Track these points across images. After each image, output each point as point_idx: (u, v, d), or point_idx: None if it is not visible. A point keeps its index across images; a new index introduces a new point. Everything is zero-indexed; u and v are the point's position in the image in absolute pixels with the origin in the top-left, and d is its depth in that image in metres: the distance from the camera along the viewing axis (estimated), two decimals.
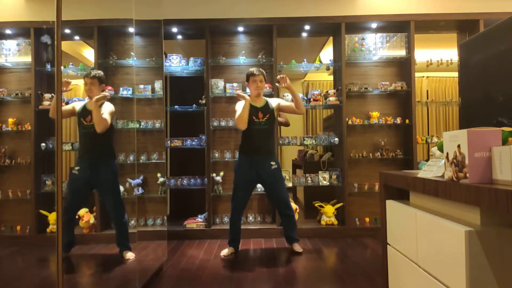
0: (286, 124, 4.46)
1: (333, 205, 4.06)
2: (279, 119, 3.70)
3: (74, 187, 3.09)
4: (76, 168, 3.10)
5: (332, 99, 4.03)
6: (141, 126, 4.09)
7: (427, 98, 6.71)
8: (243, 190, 3.29)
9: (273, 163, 3.25)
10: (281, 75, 3.23)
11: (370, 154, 4.07)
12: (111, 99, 4.10)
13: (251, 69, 3.30)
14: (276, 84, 3.34)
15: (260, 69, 3.33)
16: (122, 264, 3.11)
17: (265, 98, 3.37)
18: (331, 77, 6.39)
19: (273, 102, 3.34)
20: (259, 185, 3.79)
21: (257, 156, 3.23)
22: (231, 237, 3.36)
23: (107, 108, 3.08)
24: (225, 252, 3.32)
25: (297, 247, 3.35)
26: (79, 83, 5.08)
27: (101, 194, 3.25)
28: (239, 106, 3.21)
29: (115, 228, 3.23)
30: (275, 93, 3.99)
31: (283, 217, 3.37)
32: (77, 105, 3.19)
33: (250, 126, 3.20)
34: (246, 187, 3.30)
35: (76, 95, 5.22)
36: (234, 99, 4.23)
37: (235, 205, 3.30)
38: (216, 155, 4.13)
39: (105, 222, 3.95)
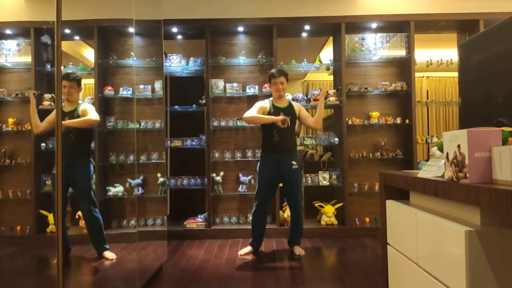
0: (297, 134, 4.41)
1: (333, 205, 4.06)
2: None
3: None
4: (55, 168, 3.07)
5: (332, 99, 4.03)
6: (141, 126, 4.09)
7: (427, 98, 6.70)
8: (267, 189, 3.29)
9: (294, 162, 3.26)
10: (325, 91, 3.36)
11: (370, 154, 4.07)
12: (111, 99, 4.12)
13: (272, 70, 3.33)
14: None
15: (283, 69, 3.35)
16: (122, 264, 3.11)
17: (289, 99, 3.41)
18: (331, 77, 6.38)
19: (296, 106, 3.37)
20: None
21: (280, 154, 3.24)
22: (252, 237, 3.36)
23: (90, 108, 3.11)
24: (242, 251, 3.32)
25: (298, 250, 3.33)
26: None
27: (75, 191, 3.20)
28: (258, 106, 3.28)
29: (91, 226, 3.20)
30: None
31: (293, 218, 3.35)
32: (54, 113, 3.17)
33: (273, 126, 3.22)
34: (269, 186, 3.30)
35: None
36: (234, 99, 4.24)
37: (258, 204, 3.30)
38: (216, 155, 4.13)
39: (105, 222, 3.95)
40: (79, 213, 3.79)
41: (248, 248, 3.33)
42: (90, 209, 3.14)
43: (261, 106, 3.30)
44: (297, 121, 3.38)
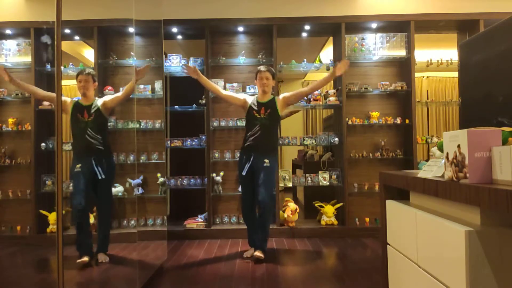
0: (292, 113, 4.35)
1: (333, 205, 4.06)
2: (286, 111, 3.71)
3: (81, 185, 3.01)
4: (78, 165, 3.06)
5: (332, 99, 4.03)
6: (141, 126, 4.09)
7: (427, 98, 6.70)
8: (245, 186, 3.28)
9: (266, 160, 3.16)
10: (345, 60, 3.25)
11: (370, 154, 4.07)
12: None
13: (259, 66, 3.34)
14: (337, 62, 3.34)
15: (269, 67, 3.33)
16: (122, 264, 3.11)
17: (274, 95, 3.37)
18: None
19: (279, 99, 3.31)
20: None
21: (253, 151, 3.20)
22: (248, 237, 3.33)
23: (108, 96, 3.25)
24: (247, 253, 3.26)
25: (258, 253, 3.10)
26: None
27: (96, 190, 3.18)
28: (242, 96, 3.37)
29: (98, 229, 3.18)
30: (275, 93, 3.98)
31: (258, 218, 3.20)
32: (68, 100, 3.20)
33: (252, 121, 3.23)
34: (246, 183, 3.26)
35: (77, 95, 5.22)
36: None
37: (242, 202, 3.32)
38: (216, 155, 4.13)
39: None
40: None
41: (251, 250, 3.25)
42: (109, 204, 3.19)
43: (244, 98, 3.33)
44: (286, 108, 3.42)
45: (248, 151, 3.22)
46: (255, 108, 3.23)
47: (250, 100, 3.31)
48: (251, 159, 3.19)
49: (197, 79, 3.31)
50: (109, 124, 4.00)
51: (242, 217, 3.39)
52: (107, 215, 3.19)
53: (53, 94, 3.17)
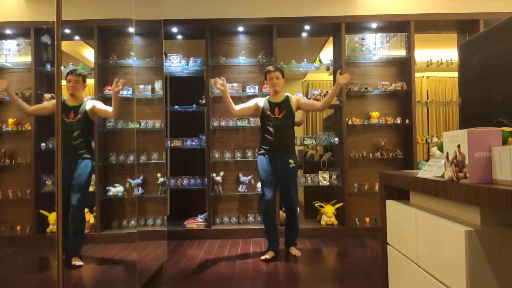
0: (298, 124, 4.36)
1: (333, 205, 4.06)
2: (296, 119, 3.67)
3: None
4: None
5: None
6: (141, 126, 4.09)
7: (427, 98, 6.70)
8: (269, 187, 3.22)
9: (291, 161, 3.22)
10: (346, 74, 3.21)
11: (370, 154, 4.07)
12: (111, 99, 4.10)
13: (268, 67, 3.33)
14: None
15: (278, 66, 3.33)
16: (122, 264, 3.11)
17: (287, 94, 3.36)
18: (331, 77, 6.38)
19: (294, 99, 3.33)
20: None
21: (275, 152, 3.21)
22: (268, 241, 3.29)
23: (99, 103, 3.17)
24: (266, 256, 3.17)
25: (294, 251, 3.30)
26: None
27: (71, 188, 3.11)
28: (254, 102, 3.32)
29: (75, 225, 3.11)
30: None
31: (289, 218, 3.32)
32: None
33: (267, 122, 3.22)
34: (271, 180, 3.22)
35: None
36: (234, 99, 4.19)
37: (265, 204, 3.22)
38: (216, 155, 4.13)
39: (105, 222, 3.96)
40: None
41: (270, 253, 3.19)
42: (80, 207, 3.04)
43: (256, 103, 3.32)
44: (298, 112, 3.36)
45: (271, 152, 3.21)
46: (269, 109, 3.24)
47: (262, 102, 3.31)
48: (276, 160, 3.20)
49: (222, 91, 3.24)
50: (108, 124, 4.02)
51: (262, 220, 3.30)
52: (78, 215, 3.06)
53: (41, 106, 3.27)
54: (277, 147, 3.21)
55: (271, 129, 3.21)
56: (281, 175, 3.22)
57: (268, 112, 3.23)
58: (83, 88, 3.16)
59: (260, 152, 3.30)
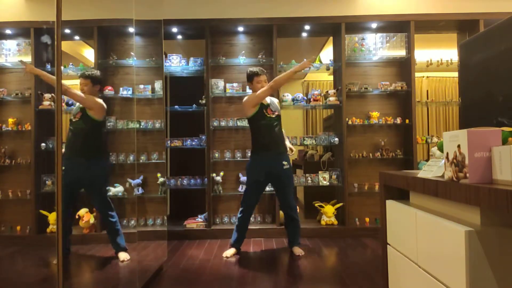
0: None
1: (333, 205, 4.06)
2: None
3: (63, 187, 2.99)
4: (62, 168, 3.03)
5: (332, 99, 4.03)
6: (141, 126, 4.09)
7: (427, 98, 6.70)
8: (254, 191, 3.27)
9: (285, 162, 3.22)
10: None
11: (370, 154, 4.07)
12: (111, 99, 4.11)
13: (254, 69, 3.26)
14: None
15: (262, 68, 3.32)
16: (122, 264, 3.11)
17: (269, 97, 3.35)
18: (331, 77, 6.38)
19: (275, 101, 3.37)
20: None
21: (269, 154, 3.19)
22: (236, 238, 3.32)
23: (95, 99, 3.09)
24: (228, 253, 3.28)
25: (298, 250, 3.31)
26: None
27: (89, 194, 3.17)
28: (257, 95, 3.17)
29: (106, 228, 3.22)
30: (275, 94, 3.98)
31: (288, 220, 3.34)
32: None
33: (262, 121, 3.20)
34: (257, 188, 3.28)
35: None
36: (234, 99, 4.23)
37: (244, 209, 3.28)
38: (216, 155, 4.13)
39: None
40: (79, 213, 3.80)
41: (233, 250, 3.29)
42: (107, 214, 3.14)
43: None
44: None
45: (264, 155, 3.20)
46: (264, 108, 3.22)
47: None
48: (269, 163, 3.19)
49: (299, 68, 3.14)
50: (108, 124, 4.01)
51: (240, 221, 3.29)
52: (106, 222, 3.18)
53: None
54: (271, 149, 3.20)
55: (266, 128, 3.19)
56: (277, 178, 3.22)
57: (264, 111, 3.22)
58: (93, 89, 3.10)
59: (253, 155, 3.28)
